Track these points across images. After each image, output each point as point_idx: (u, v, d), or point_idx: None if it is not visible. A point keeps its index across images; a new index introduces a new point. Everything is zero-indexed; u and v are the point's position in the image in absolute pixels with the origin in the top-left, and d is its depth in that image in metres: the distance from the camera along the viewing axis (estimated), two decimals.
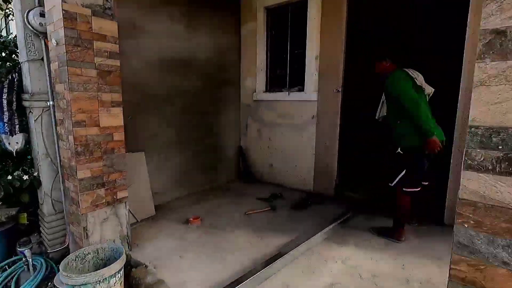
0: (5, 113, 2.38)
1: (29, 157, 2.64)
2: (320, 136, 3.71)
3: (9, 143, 2.45)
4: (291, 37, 3.93)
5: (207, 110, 3.98)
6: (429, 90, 2.61)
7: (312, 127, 3.77)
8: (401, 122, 2.54)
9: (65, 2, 1.95)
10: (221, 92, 4.17)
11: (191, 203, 3.54)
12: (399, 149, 2.56)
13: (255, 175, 4.48)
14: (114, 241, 2.32)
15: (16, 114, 2.43)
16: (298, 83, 3.92)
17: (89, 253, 2.03)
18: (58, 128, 2.30)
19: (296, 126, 3.93)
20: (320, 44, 3.56)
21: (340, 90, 3.46)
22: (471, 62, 2.63)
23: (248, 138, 4.50)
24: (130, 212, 2.76)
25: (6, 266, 2.42)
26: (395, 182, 2.58)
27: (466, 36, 2.64)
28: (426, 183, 2.66)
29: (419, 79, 2.56)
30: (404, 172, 2.53)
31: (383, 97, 2.74)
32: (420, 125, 2.36)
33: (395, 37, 4.15)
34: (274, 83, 4.22)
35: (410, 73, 2.54)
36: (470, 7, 2.59)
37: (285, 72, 4.02)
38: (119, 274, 1.90)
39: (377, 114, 2.85)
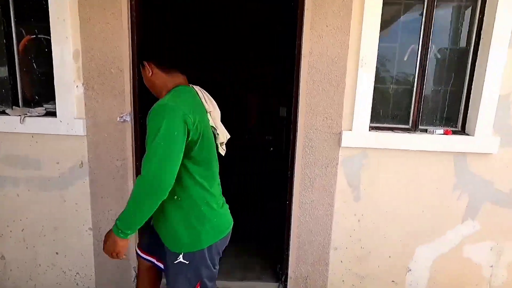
0: None
1: None
2: (100, 197, 2.03)
3: None
4: (16, 9, 1.97)
5: None
6: (224, 138, 1.43)
7: (81, 182, 2.02)
8: (180, 199, 1.24)
9: None
10: None
11: None
12: (180, 256, 1.25)
13: None
14: None
15: None
16: (46, 99, 2.05)
17: None
18: None
19: (48, 182, 2.03)
20: (81, 28, 1.86)
21: (128, 118, 1.94)
22: (310, 94, 1.89)
23: None
24: None
25: None
26: None
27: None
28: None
29: (215, 113, 1.36)
30: None
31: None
32: (130, 214, 1.15)
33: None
34: None
35: (203, 101, 1.31)
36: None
37: (13, 76, 2.01)
38: None
39: None
